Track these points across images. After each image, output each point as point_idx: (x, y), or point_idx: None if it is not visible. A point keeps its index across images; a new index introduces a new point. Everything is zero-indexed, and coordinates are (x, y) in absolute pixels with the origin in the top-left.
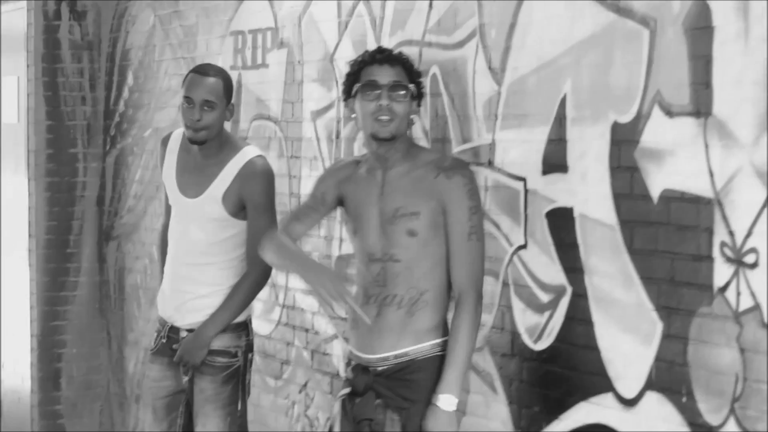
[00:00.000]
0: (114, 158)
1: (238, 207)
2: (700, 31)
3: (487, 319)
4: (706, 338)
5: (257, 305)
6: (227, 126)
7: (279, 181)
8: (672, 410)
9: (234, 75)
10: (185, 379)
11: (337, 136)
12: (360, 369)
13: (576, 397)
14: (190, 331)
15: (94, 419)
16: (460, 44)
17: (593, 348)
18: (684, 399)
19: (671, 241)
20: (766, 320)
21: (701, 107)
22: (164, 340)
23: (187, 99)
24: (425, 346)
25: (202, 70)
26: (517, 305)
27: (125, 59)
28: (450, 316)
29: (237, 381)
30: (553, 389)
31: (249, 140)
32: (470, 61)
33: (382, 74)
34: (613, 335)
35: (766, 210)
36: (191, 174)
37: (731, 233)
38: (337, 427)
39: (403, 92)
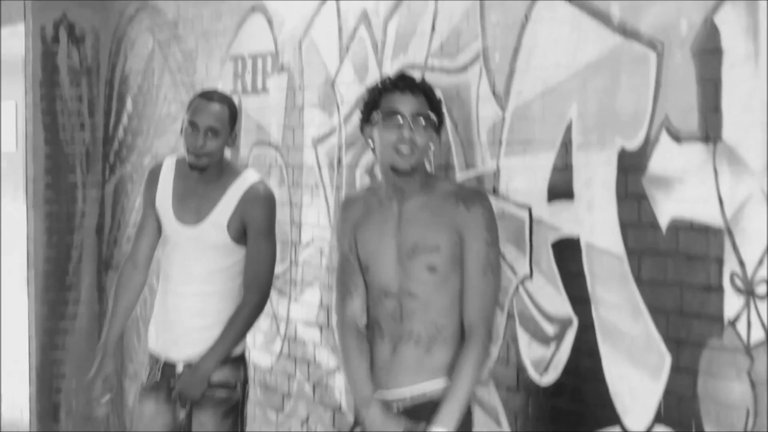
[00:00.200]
0: (113, 186)
1: (240, 232)
2: (708, 54)
3: (492, 351)
4: (716, 371)
5: (258, 337)
6: (227, 152)
7: (280, 210)
8: None
9: (234, 100)
10: (182, 414)
11: (339, 163)
12: None
13: (583, 431)
14: (187, 365)
15: None
16: (464, 68)
17: (600, 381)
18: None
19: (680, 271)
20: None
21: (710, 132)
22: (159, 376)
23: (192, 124)
24: (443, 383)
25: (209, 96)
26: (523, 337)
27: (124, 84)
28: None
29: (236, 414)
30: (559, 424)
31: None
32: (473, 85)
33: (404, 103)
34: (620, 368)
35: None
36: (190, 201)
37: (742, 263)
38: None
39: (425, 123)
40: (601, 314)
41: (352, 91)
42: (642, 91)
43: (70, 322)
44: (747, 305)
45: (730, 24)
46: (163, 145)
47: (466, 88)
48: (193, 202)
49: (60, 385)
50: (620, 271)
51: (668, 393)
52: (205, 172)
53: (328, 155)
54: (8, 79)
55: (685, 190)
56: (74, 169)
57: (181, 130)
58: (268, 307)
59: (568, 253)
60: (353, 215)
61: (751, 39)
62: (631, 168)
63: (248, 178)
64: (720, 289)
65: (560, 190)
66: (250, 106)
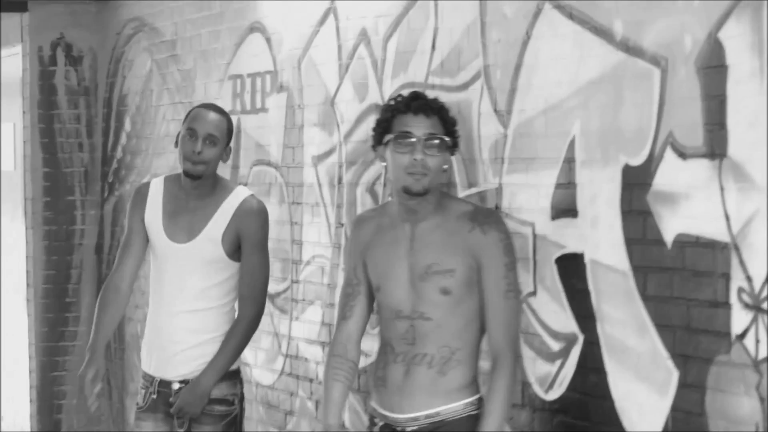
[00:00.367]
0: (112, 205)
1: (234, 247)
2: (713, 70)
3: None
4: (724, 387)
5: (260, 355)
6: (226, 172)
7: (280, 228)
8: None
9: (233, 120)
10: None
11: (340, 182)
12: (389, 430)
13: None
14: (183, 382)
15: None
16: (465, 86)
17: (606, 398)
18: None
19: (686, 287)
20: None
21: (716, 148)
22: (154, 396)
23: (191, 131)
24: (458, 405)
25: (208, 106)
26: (528, 354)
27: (122, 104)
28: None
29: (235, 429)
30: None
31: (249, 186)
32: (475, 103)
33: (417, 125)
34: (627, 384)
35: None
36: (182, 219)
37: (749, 278)
38: None
39: (438, 145)
40: (606, 330)
41: (351, 110)
42: (646, 108)
43: (70, 341)
44: (755, 320)
45: (734, 40)
46: (161, 164)
47: (468, 106)
48: (185, 219)
49: (60, 404)
50: (625, 287)
51: (676, 409)
52: (199, 187)
53: (329, 174)
54: (7, 100)
55: (691, 206)
56: (73, 189)
57: (176, 141)
58: (269, 326)
59: (572, 269)
60: (364, 235)
61: (756, 55)
62: (636, 184)
63: (241, 192)
64: (727, 305)
65: (564, 207)
66: (249, 126)
